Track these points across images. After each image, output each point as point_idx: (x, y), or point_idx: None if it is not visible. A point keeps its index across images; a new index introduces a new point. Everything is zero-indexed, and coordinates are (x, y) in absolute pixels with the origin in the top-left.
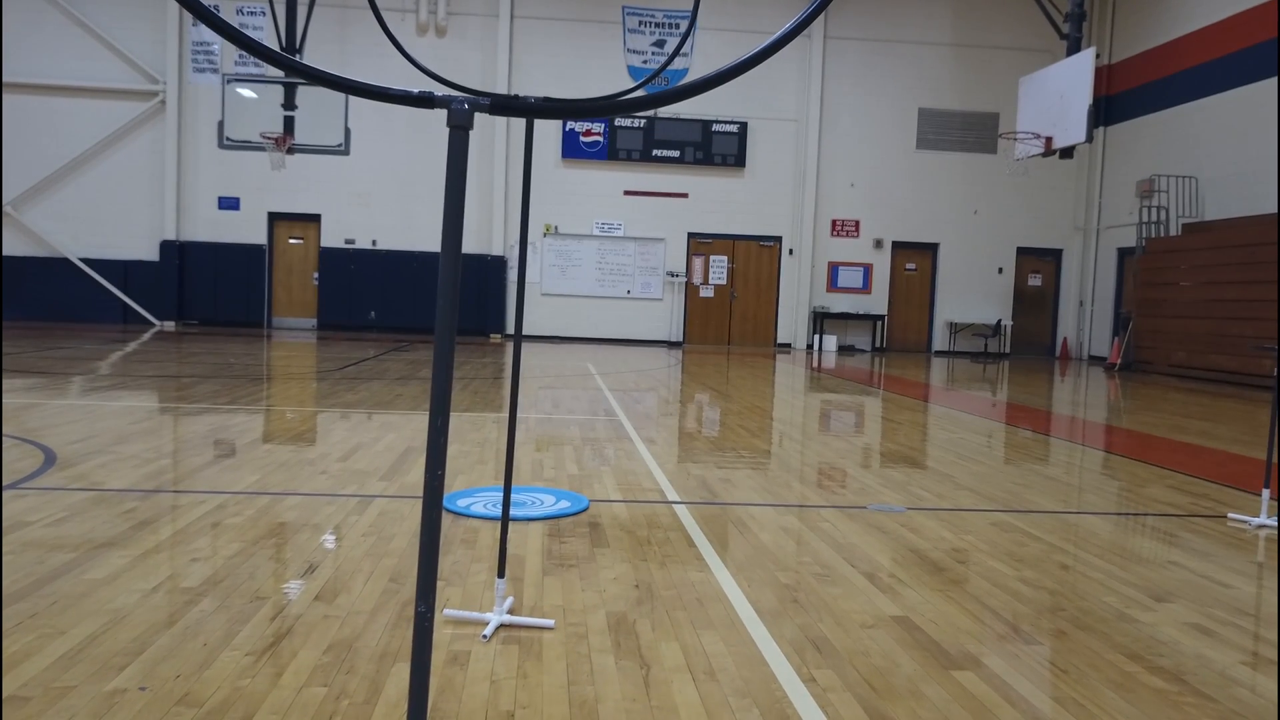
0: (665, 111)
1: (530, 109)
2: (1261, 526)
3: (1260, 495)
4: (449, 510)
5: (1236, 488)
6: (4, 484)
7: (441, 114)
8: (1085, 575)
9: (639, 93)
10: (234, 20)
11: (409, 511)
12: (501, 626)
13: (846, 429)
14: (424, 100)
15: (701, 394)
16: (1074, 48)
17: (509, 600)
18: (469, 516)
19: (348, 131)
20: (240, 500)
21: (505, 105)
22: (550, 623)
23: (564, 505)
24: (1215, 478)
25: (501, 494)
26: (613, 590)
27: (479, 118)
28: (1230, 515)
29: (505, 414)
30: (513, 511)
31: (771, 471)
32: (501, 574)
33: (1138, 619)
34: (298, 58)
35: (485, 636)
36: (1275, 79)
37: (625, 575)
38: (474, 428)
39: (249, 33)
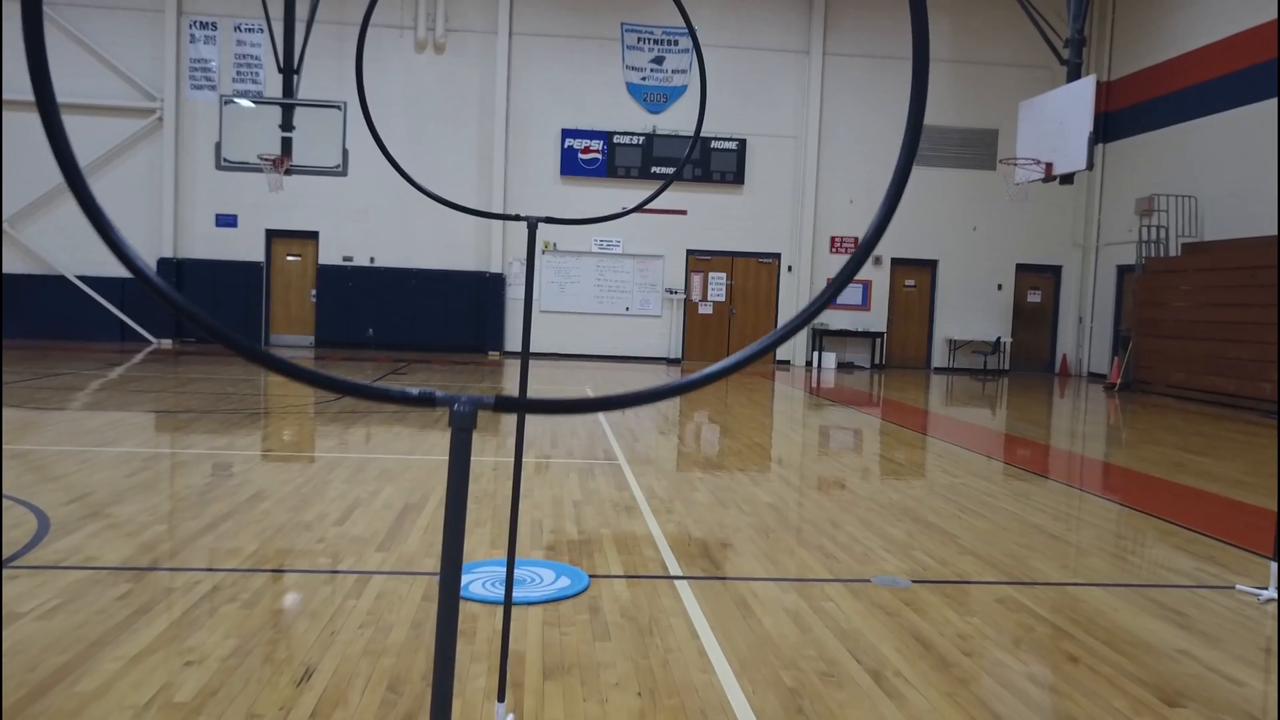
0: (664, 128)
1: (528, 406)
2: (1270, 601)
3: (1267, 559)
4: None
5: (1242, 547)
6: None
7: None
8: (1093, 670)
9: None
10: (232, 38)
11: (407, 592)
12: None
13: (846, 472)
14: (425, 400)
15: (700, 427)
16: (1074, 74)
17: (510, 718)
18: (467, 599)
19: (345, 152)
20: (236, 580)
21: (508, 404)
22: None
23: (564, 584)
24: (1220, 533)
25: (504, 568)
26: (615, 700)
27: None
28: (1238, 587)
29: (503, 457)
30: (513, 592)
31: (773, 532)
32: (501, 698)
33: None
34: (296, 79)
35: None
36: (1275, 100)
37: (627, 678)
38: (471, 475)
39: (246, 49)
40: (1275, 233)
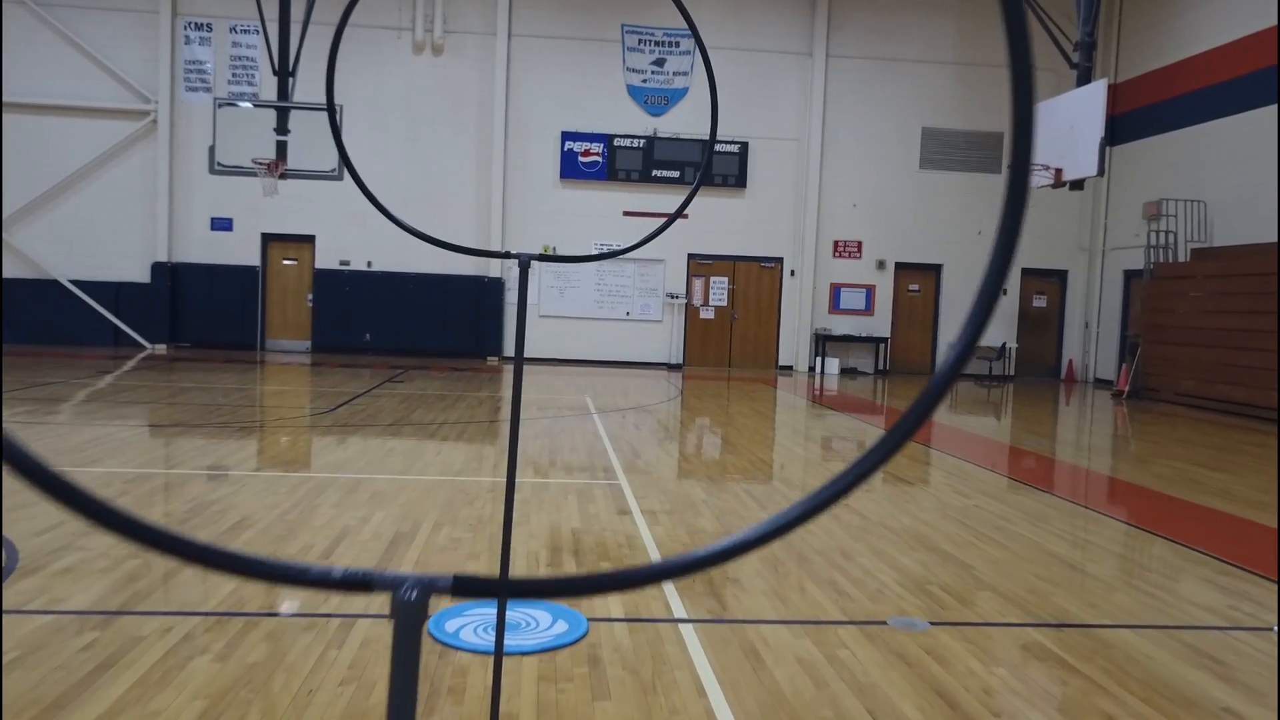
0: (665, 131)
1: (500, 589)
2: None
3: None
4: (433, 637)
5: (1271, 579)
6: None
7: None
8: None
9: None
10: (227, 39)
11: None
12: None
13: (854, 492)
14: (358, 584)
15: (702, 439)
16: (1084, 77)
17: None
18: (457, 648)
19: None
20: (210, 627)
21: (470, 586)
22: None
23: (561, 629)
24: (1247, 562)
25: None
26: None
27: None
28: (1276, 628)
29: (500, 477)
30: (506, 638)
31: (781, 565)
32: None
33: None
34: (291, 81)
35: None
36: (1278, 106)
37: None
38: (466, 498)
39: (242, 51)
40: (1276, 240)
